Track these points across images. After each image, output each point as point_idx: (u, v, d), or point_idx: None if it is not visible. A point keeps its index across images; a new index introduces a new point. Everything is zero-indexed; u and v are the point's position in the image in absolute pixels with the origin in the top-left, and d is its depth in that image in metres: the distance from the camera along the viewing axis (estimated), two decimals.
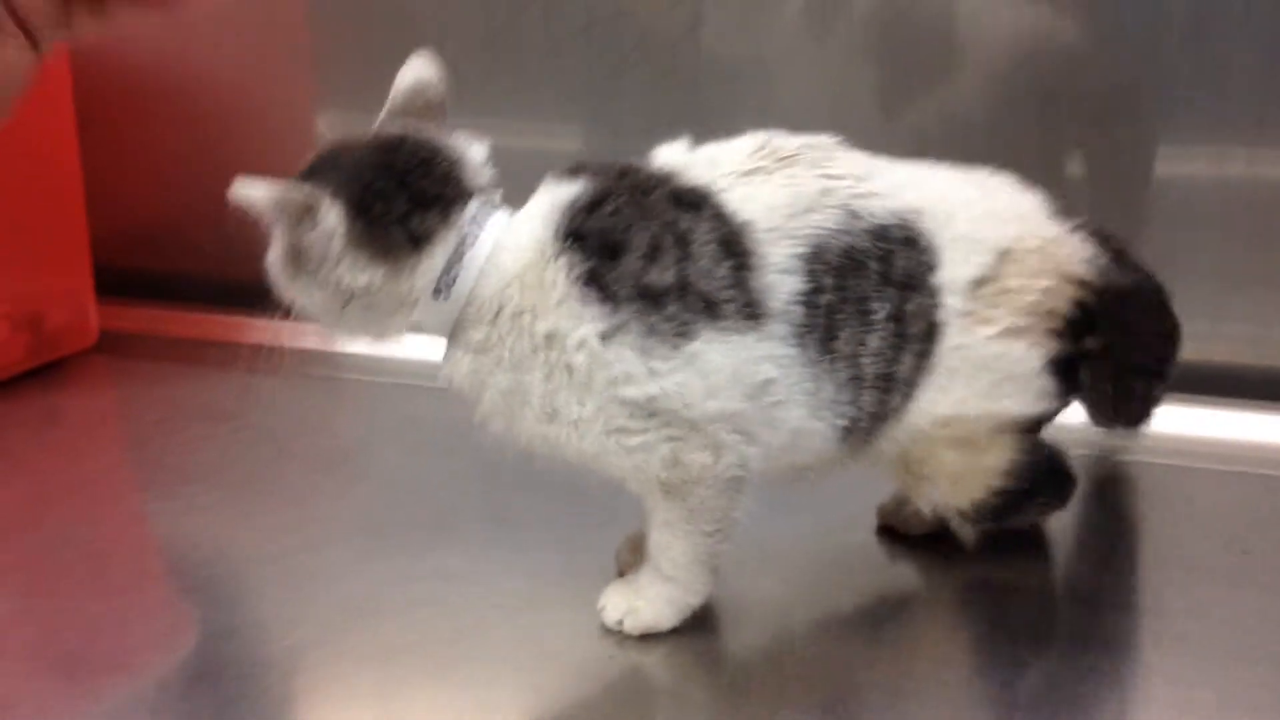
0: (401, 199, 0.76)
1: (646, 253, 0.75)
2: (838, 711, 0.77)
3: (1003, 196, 0.85)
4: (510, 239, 0.78)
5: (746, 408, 0.78)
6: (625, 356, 0.75)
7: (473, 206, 0.78)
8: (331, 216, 0.75)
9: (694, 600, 0.84)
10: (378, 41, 1.38)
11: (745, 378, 0.77)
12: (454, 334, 0.79)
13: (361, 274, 0.76)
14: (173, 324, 1.43)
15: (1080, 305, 0.82)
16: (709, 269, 0.76)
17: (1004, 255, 0.81)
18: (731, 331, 0.76)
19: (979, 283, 0.80)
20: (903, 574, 0.94)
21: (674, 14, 1.24)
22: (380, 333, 0.81)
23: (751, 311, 0.76)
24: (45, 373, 1.33)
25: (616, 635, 0.84)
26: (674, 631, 0.84)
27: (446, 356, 0.81)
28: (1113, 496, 1.01)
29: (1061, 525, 0.96)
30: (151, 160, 1.49)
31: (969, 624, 0.89)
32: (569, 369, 0.76)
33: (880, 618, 0.88)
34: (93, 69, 1.37)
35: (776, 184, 0.78)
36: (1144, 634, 0.85)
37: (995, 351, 0.80)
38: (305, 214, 0.75)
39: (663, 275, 0.75)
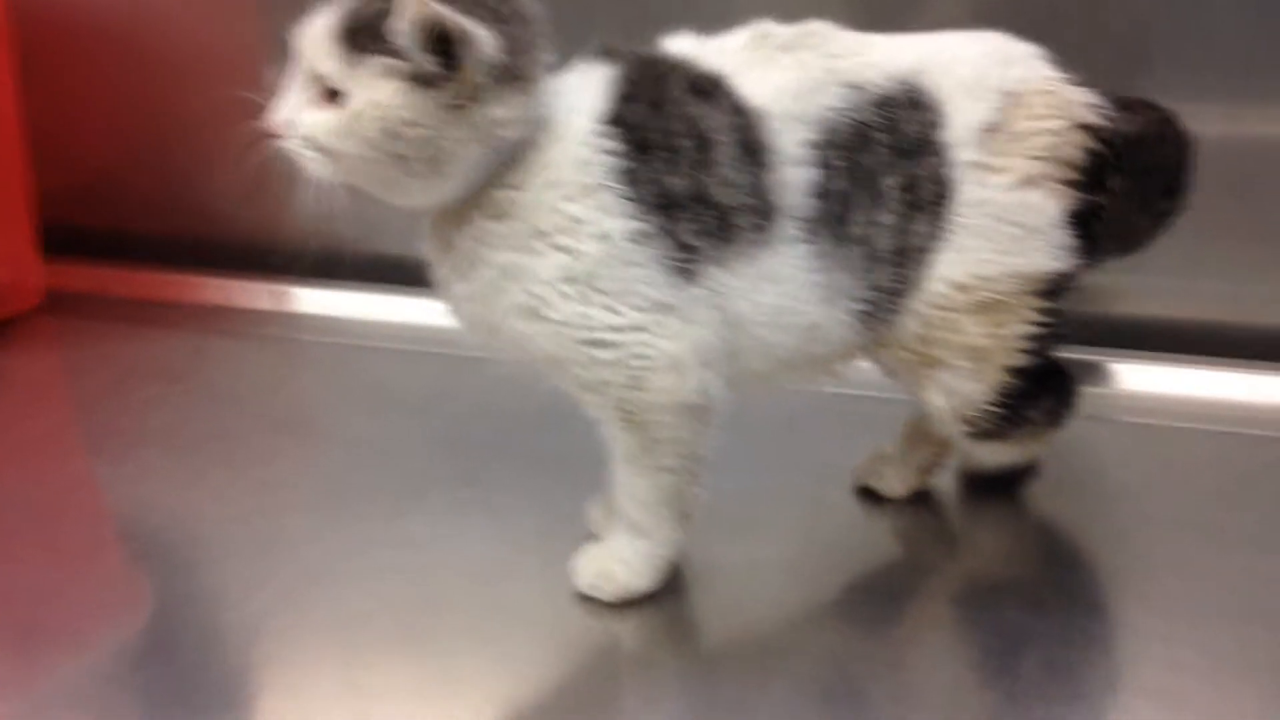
0: (529, 26, 0.73)
1: (668, 153, 0.74)
2: (814, 679, 0.75)
3: (1002, 44, 0.82)
4: (560, 100, 0.76)
5: (734, 337, 0.77)
6: (648, 264, 0.74)
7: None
8: (489, 44, 0.70)
9: (665, 552, 0.81)
10: None
11: (739, 313, 0.77)
12: (478, 195, 0.75)
13: (501, 106, 0.72)
14: (121, 283, 1.38)
15: (1093, 154, 0.80)
16: (727, 175, 0.75)
17: (1010, 97, 0.79)
18: (740, 258, 0.75)
19: (988, 129, 0.78)
20: (881, 536, 0.92)
21: None
22: (430, 191, 0.74)
23: (762, 222, 0.76)
24: None
25: (590, 602, 0.81)
26: (648, 598, 0.82)
27: (446, 218, 0.77)
28: (1093, 457, 1.00)
29: (1042, 487, 0.95)
30: (96, 110, 1.43)
31: (949, 587, 0.87)
32: (575, 254, 0.74)
33: (858, 581, 0.87)
34: (33, 14, 1.32)
35: (783, 67, 0.78)
36: (1128, 594, 0.84)
37: (1011, 201, 0.78)
38: (467, 39, 0.70)
39: (681, 181, 0.74)
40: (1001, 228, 0.79)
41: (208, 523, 0.93)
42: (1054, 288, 0.81)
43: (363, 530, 0.90)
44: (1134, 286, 1.17)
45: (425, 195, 0.75)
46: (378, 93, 0.71)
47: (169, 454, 1.03)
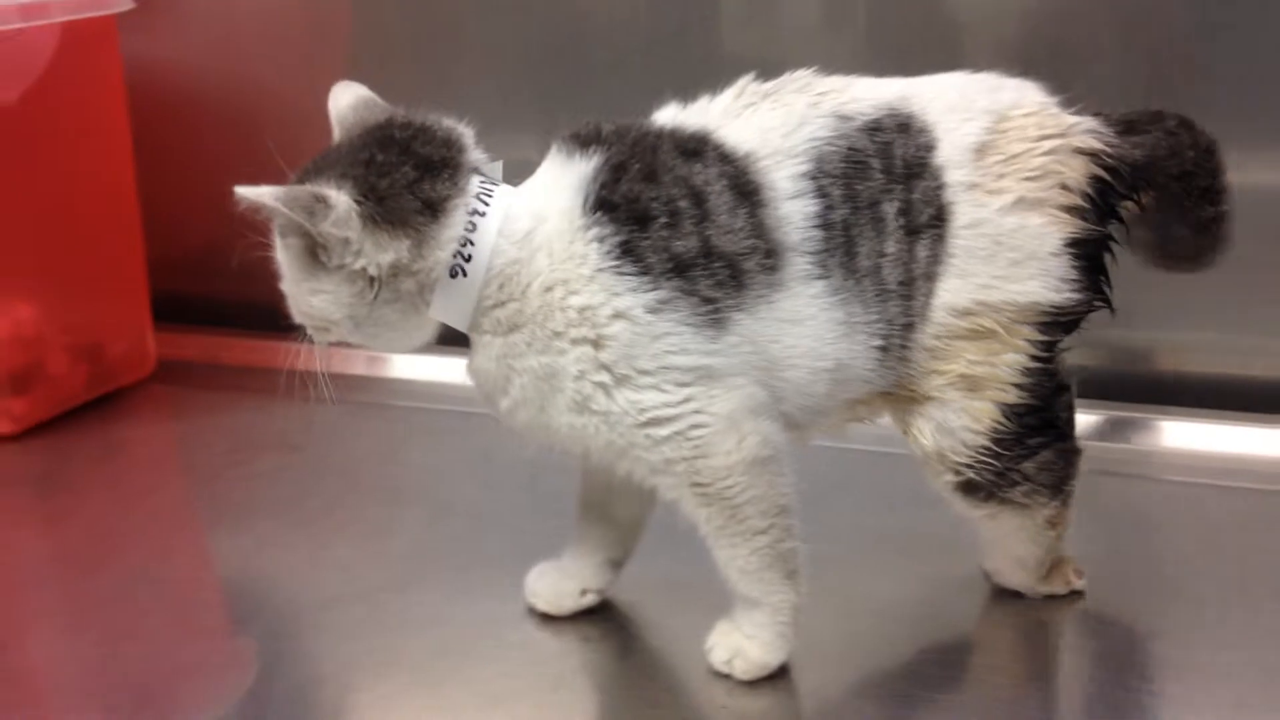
0: (408, 166, 0.75)
1: (669, 218, 0.75)
2: None
3: (991, 76, 0.82)
4: (525, 207, 0.77)
5: (773, 380, 0.77)
6: (678, 330, 0.75)
7: (476, 179, 0.77)
8: (342, 200, 0.73)
9: (785, 619, 0.80)
10: (428, 56, 1.36)
11: (769, 360, 0.76)
12: (479, 319, 0.77)
13: (386, 252, 0.74)
14: (231, 351, 1.41)
15: (1098, 183, 0.79)
16: (727, 223, 0.75)
17: (1001, 118, 0.79)
18: (760, 301, 0.75)
19: (980, 150, 0.78)
20: (990, 611, 0.90)
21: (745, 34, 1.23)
22: (409, 332, 0.78)
23: (773, 262, 0.76)
24: (104, 404, 1.30)
25: (726, 681, 0.81)
26: (783, 679, 0.81)
27: (473, 347, 0.79)
28: (1139, 515, 0.98)
29: (1133, 552, 0.94)
30: (205, 182, 1.45)
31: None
32: (599, 343, 0.75)
33: (975, 659, 0.86)
34: (146, 92, 1.35)
35: (765, 110, 0.79)
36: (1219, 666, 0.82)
37: (1010, 225, 0.78)
38: (316, 204, 0.73)
39: (687, 242, 0.75)
40: (1000, 251, 0.78)
41: (334, 600, 0.93)
42: (1051, 321, 0.79)
43: (489, 606, 0.90)
44: (1180, 342, 1.17)
45: (404, 342, 0.80)
46: (289, 271, 0.78)
47: (289, 526, 1.04)
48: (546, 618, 0.88)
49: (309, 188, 0.74)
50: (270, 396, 1.31)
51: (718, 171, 0.76)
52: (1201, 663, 0.81)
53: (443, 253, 0.75)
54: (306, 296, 0.77)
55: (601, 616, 0.88)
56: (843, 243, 0.77)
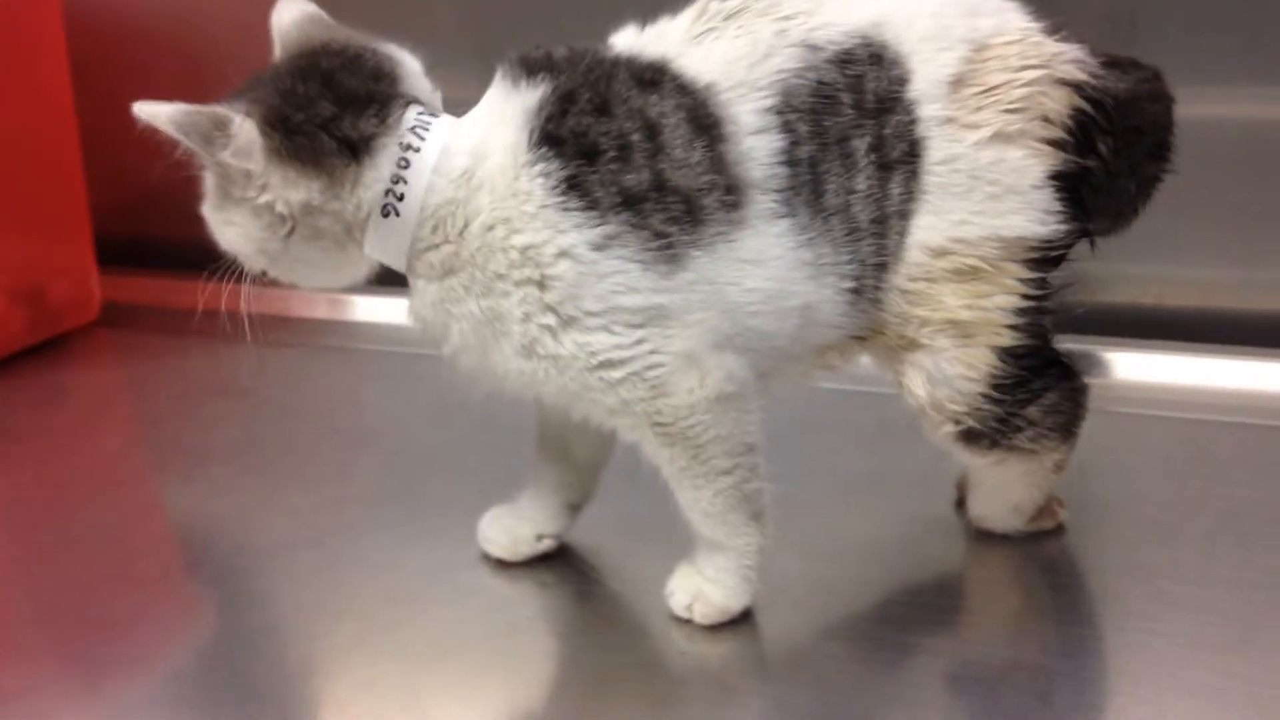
0: (326, 102, 0.71)
1: (618, 152, 0.71)
2: (917, 704, 0.72)
3: None
4: (465, 143, 0.73)
5: (733, 331, 0.73)
6: (627, 268, 0.71)
7: (412, 111, 0.73)
8: (245, 129, 0.69)
9: (749, 562, 0.78)
10: None
11: (732, 303, 0.73)
12: (413, 262, 0.73)
13: (294, 190, 0.71)
14: (179, 294, 1.36)
15: (1079, 113, 0.75)
16: (683, 157, 0.71)
17: (980, 49, 0.75)
18: (719, 239, 0.71)
19: (956, 82, 0.74)
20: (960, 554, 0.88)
21: None
22: (336, 270, 0.75)
23: (733, 199, 0.72)
24: (47, 349, 1.27)
25: (685, 626, 0.78)
26: (746, 624, 0.79)
27: (411, 291, 0.75)
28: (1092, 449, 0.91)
29: (1101, 488, 0.92)
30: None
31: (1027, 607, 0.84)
32: (544, 284, 0.71)
33: (950, 601, 0.84)
34: (82, 25, 1.30)
35: (729, 37, 0.74)
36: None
37: (988, 159, 0.74)
38: (216, 131, 0.69)
39: (639, 175, 0.71)
40: (978, 186, 0.74)
41: (284, 544, 0.90)
42: (1040, 256, 0.76)
43: (443, 551, 0.88)
44: (1128, 274, 1.15)
45: (332, 280, 0.76)
46: (207, 197, 0.74)
47: (239, 472, 1.02)
48: (502, 563, 0.86)
49: (212, 110, 0.69)
50: (219, 340, 1.27)
51: (675, 103, 0.72)
52: (1195, 599, 0.80)
53: (367, 193, 0.72)
54: (221, 226, 0.74)
55: (558, 561, 0.86)
56: (809, 180, 0.73)
